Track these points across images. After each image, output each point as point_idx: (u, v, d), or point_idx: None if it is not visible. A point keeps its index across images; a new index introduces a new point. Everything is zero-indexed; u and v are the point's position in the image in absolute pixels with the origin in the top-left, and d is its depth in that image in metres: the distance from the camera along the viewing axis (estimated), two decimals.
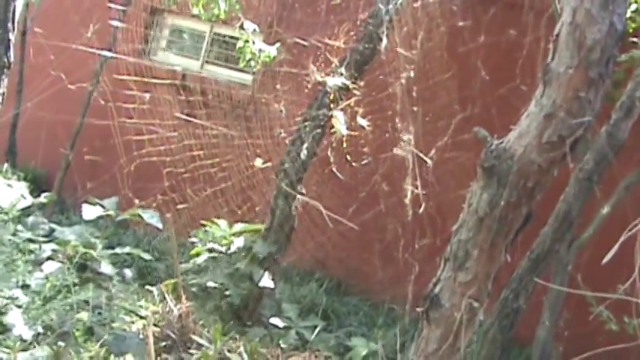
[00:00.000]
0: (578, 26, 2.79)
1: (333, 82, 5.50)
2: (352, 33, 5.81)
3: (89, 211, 5.03)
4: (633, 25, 6.00)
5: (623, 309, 4.28)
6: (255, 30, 6.41)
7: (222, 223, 5.89)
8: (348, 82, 5.56)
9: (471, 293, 3.00)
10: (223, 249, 5.84)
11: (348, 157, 5.79)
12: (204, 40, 8.76)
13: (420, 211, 5.02)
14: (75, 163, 8.02)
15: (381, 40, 5.58)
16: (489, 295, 3.07)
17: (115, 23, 7.22)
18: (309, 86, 5.80)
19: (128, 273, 5.66)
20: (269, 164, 6.06)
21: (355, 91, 5.66)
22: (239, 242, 5.91)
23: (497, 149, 2.89)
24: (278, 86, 6.86)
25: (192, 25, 8.82)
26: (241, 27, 6.31)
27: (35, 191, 6.93)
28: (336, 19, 6.20)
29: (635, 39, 5.81)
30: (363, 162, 6.17)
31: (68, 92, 7.38)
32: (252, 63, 6.38)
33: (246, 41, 6.30)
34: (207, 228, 5.90)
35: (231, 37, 7.61)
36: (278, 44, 6.42)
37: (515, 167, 2.86)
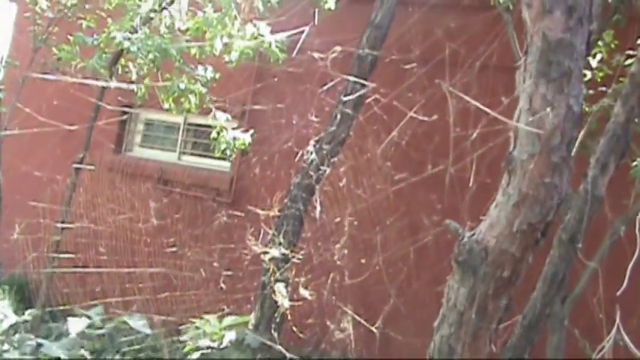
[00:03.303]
0: (536, 112, 2.80)
1: (274, 253, 5.46)
2: (286, 200, 5.78)
3: (75, 324, 4.99)
4: (601, 74, 6.07)
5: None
6: (227, 119, 6.46)
7: (211, 318, 5.84)
8: (287, 252, 5.50)
9: None
10: (215, 344, 5.77)
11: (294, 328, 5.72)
12: (179, 132, 8.81)
13: None
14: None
15: (314, 206, 5.59)
16: None
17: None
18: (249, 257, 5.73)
19: None
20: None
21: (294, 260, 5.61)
22: (230, 335, 5.85)
23: (470, 242, 2.88)
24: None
25: (165, 118, 8.86)
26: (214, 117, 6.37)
27: (23, 301, 6.88)
28: None
29: (604, 88, 5.86)
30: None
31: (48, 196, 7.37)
32: (228, 152, 6.41)
33: (219, 132, 6.34)
34: (197, 324, 5.85)
35: (206, 126, 7.64)
36: (252, 131, 6.46)
37: (489, 259, 2.85)
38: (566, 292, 5.57)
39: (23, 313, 6.05)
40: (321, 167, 5.53)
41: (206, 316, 5.88)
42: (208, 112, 6.46)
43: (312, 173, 5.55)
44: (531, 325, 5.27)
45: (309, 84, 6.07)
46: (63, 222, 6.56)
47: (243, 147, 6.42)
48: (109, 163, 8.30)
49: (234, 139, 6.35)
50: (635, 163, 5.79)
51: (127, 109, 7.90)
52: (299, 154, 5.64)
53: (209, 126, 6.82)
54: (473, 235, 2.91)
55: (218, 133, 6.35)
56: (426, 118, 4.52)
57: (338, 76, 5.45)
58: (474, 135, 3.94)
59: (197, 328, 5.89)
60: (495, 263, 2.84)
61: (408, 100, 5.52)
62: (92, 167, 6.95)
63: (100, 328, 5.04)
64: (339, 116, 5.59)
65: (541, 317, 5.29)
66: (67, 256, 6.45)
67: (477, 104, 2.98)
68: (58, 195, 7.25)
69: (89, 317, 5.05)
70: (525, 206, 2.79)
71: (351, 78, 5.56)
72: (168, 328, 6.09)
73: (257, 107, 7.53)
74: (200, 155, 8.66)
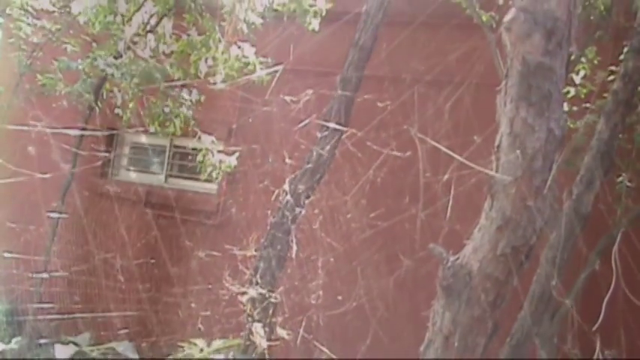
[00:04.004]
0: (518, 136, 2.81)
1: (251, 293, 5.45)
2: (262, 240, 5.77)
3: (62, 351, 4.96)
4: (584, 91, 6.09)
5: None
6: (213, 141, 6.46)
7: (200, 341, 5.81)
8: (264, 292, 5.49)
9: None
10: None
11: None
12: (165, 154, 8.79)
13: None
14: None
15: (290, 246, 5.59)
16: None
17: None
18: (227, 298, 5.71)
19: None
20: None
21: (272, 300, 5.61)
22: (219, 357, 5.83)
23: (454, 266, 2.89)
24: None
25: (151, 141, 8.84)
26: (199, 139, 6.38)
27: (12, 324, 6.82)
28: None
29: (588, 104, 5.89)
30: None
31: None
32: (214, 174, 6.40)
33: (205, 154, 6.34)
34: (185, 348, 5.82)
35: (193, 149, 7.64)
36: (237, 153, 6.45)
37: (473, 283, 2.85)
38: (554, 308, 5.58)
39: (10, 341, 6.02)
40: (297, 208, 5.54)
41: (194, 340, 5.86)
42: (195, 134, 6.46)
43: (287, 213, 5.55)
44: (519, 344, 5.28)
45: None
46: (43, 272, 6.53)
47: (229, 169, 6.42)
48: (95, 188, 8.27)
49: (220, 161, 6.35)
50: (620, 179, 5.84)
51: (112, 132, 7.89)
52: (275, 193, 5.65)
53: (195, 149, 6.82)
54: (457, 259, 2.91)
55: (204, 156, 6.35)
56: (399, 154, 4.54)
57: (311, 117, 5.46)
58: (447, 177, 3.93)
59: (184, 351, 5.87)
60: (480, 287, 2.84)
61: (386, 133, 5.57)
62: (66, 215, 6.91)
63: (88, 354, 5.01)
64: (315, 154, 5.59)
65: (529, 337, 5.30)
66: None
67: (448, 151, 3.00)
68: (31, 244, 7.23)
69: (76, 344, 5.03)
70: (508, 230, 2.80)
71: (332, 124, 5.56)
72: (155, 353, 6.05)
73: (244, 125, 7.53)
74: (187, 178, 8.65)
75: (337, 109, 5.51)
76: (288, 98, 5.05)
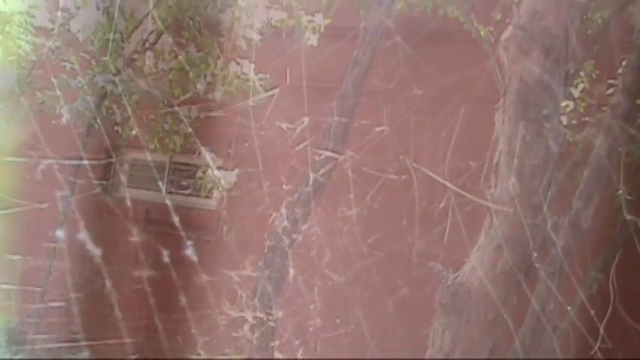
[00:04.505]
0: (515, 154, 2.81)
1: (249, 317, 5.44)
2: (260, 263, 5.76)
3: None
4: (583, 105, 6.10)
5: None
6: (212, 158, 6.46)
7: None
8: (262, 315, 5.48)
9: None
10: None
11: None
12: (164, 171, 8.79)
13: None
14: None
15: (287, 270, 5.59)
16: None
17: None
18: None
19: None
20: None
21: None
22: None
23: (454, 284, 2.88)
24: None
25: (151, 157, 8.84)
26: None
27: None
28: None
29: (587, 118, 5.89)
30: None
31: None
32: (214, 191, 6.40)
33: (204, 171, 6.33)
34: None
35: (193, 165, 7.63)
36: (237, 170, 6.44)
37: (473, 301, 2.84)
38: (555, 322, 5.56)
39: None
40: (294, 234, 5.53)
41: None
42: (194, 151, 6.46)
43: (284, 237, 5.55)
44: None
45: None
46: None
47: (229, 186, 6.41)
48: (94, 205, 8.27)
49: (219, 178, 6.34)
50: (619, 192, 5.83)
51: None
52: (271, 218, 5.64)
53: (195, 165, 6.82)
54: (457, 277, 2.91)
55: (204, 173, 6.34)
56: (396, 177, 4.53)
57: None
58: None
59: None
60: (479, 306, 2.83)
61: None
62: (62, 245, 6.88)
63: None
64: (312, 177, 5.58)
65: (530, 353, 5.27)
66: None
67: (444, 181, 3.01)
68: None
69: None
70: (508, 248, 2.80)
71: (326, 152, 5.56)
72: None
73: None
74: (187, 195, 8.65)
75: (333, 134, 5.52)
76: (284, 125, 5.05)
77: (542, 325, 5.21)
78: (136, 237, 7.38)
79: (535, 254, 2.81)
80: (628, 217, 5.24)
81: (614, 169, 5.24)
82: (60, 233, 6.67)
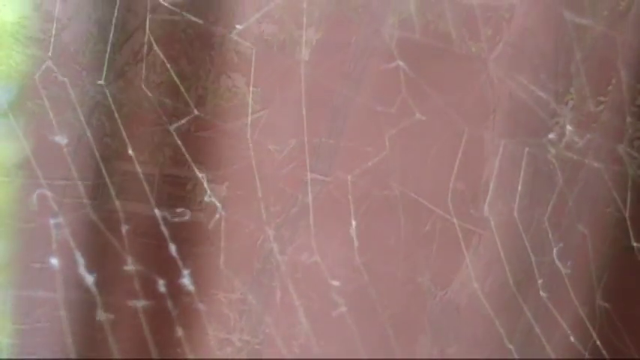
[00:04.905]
0: (506, 172, 2.81)
1: (235, 340, 5.41)
2: (247, 285, 5.73)
3: None
4: (574, 122, 6.12)
5: None
6: (203, 170, 6.45)
7: None
8: (249, 338, 5.43)
9: None
10: None
11: None
12: (154, 183, 8.78)
13: None
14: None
15: (275, 292, 5.54)
16: None
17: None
18: None
19: None
20: None
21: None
22: None
23: (442, 301, 2.86)
24: None
25: (141, 169, 8.84)
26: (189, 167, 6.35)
27: None
28: None
29: (576, 138, 5.91)
30: None
31: None
32: (204, 204, 6.39)
33: (195, 184, 6.32)
34: None
35: (183, 178, 7.64)
36: (227, 183, 6.44)
37: (462, 318, 2.83)
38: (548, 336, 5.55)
39: None
40: (280, 256, 5.51)
41: None
42: (184, 163, 6.46)
43: (272, 259, 5.52)
44: None
45: None
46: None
47: (219, 200, 6.40)
48: (81, 217, 8.25)
49: (209, 193, 6.33)
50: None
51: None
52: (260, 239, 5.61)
53: (185, 177, 6.81)
54: (445, 293, 2.89)
55: (194, 185, 6.34)
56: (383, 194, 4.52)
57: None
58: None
59: None
60: (469, 323, 2.82)
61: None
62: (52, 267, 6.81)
63: None
64: (299, 198, 5.57)
65: None
66: None
67: (430, 205, 2.99)
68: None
69: None
70: (498, 265, 2.79)
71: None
72: None
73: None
74: (176, 206, 8.64)
75: (321, 155, 5.52)
76: (271, 147, 5.05)
77: (536, 341, 5.22)
78: (125, 250, 7.37)
79: (540, 280, 2.80)
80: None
81: (610, 188, 5.26)
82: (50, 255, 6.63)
